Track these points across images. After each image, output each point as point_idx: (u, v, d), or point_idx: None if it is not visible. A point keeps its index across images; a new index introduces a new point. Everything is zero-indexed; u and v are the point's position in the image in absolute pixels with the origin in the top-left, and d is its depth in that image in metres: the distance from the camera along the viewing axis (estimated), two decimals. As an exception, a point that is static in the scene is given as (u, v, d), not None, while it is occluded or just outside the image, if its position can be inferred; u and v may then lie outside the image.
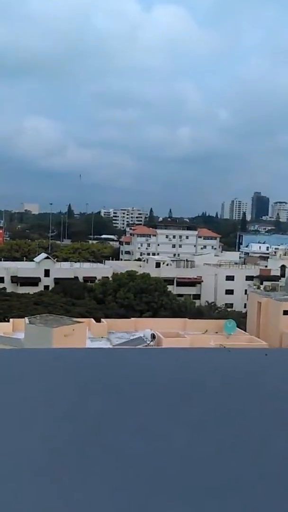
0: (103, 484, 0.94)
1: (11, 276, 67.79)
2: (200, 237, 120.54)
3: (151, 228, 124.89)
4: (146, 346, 28.97)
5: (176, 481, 0.96)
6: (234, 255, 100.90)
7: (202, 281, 74.30)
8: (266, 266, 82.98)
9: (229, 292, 72.42)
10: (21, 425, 1.19)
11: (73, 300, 50.64)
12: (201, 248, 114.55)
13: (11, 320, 33.63)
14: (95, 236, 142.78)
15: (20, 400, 1.34)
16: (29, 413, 1.27)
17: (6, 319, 35.15)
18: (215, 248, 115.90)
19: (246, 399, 1.45)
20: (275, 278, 73.61)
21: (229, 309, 62.03)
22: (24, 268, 70.42)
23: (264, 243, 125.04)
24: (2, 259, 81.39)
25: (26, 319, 29.22)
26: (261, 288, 61.79)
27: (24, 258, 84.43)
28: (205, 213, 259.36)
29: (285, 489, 0.96)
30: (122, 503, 0.90)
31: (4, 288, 59.39)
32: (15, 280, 67.06)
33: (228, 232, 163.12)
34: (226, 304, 67.80)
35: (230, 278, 74.73)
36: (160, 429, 1.20)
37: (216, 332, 34.36)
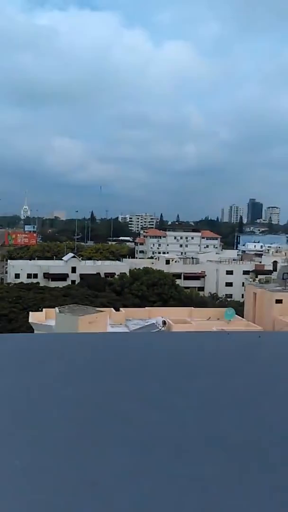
0: (119, 454, 0.90)
1: (44, 273, 68.25)
2: (203, 237, 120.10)
3: (161, 231, 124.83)
4: (158, 330, 28.94)
5: (173, 443, 0.94)
6: (232, 253, 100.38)
7: (206, 275, 74.06)
8: (260, 262, 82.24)
9: (229, 284, 72.04)
10: (55, 398, 1.18)
11: (96, 292, 50.76)
12: (204, 247, 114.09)
13: (44, 310, 33.80)
14: (114, 238, 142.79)
15: (53, 377, 1.33)
16: (58, 387, 1.25)
17: (40, 309, 35.36)
18: (216, 247, 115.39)
19: (242, 375, 1.45)
20: (268, 272, 72.63)
21: (229, 299, 61.73)
22: (54, 265, 70.88)
23: (258, 242, 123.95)
24: (36, 258, 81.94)
25: (56, 308, 29.34)
26: (256, 281, 61.32)
27: (54, 257, 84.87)
28: (208, 217, 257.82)
29: (279, 463, 0.91)
30: (132, 462, 0.87)
31: (38, 283, 59.77)
32: (47, 276, 67.48)
33: (228, 233, 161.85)
34: (226, 295, 67.50)
35: (229, 272, 74.36)
36: (166, 403, 1.16)
37: (218, 319, 34.21)
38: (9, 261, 78.08)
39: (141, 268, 60.98)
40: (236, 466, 0.85)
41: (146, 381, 1.32)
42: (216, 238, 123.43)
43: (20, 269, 68.86)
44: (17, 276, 66.45)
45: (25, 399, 1.16)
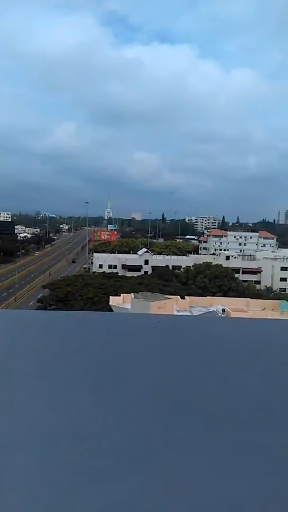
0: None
1: (122, 264, 69.77)
2: (260, 237, 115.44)
3: (223, 231, 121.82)
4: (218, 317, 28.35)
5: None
6: (287, 252, 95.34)
7: (262, 271, 71.23)
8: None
9: (283, 279, 68.64)
10: (129, 364, 1.15)
11: (165, 282, 50.81)
12: (262, 246, 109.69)
13: (121, 295, 34.40)
14: (181, 236, 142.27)
15: (128, 347, 1.33)
16: (132, 360, 1.22)
17: (118, 294, 36.09)
18: (272, 246, 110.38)
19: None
20: None
21: (283, 292, 58.88)
22: (130, 258, 72.12)
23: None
24: (116, 252, 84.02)
25: (132, 294, 29.74)
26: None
27: (131, 251, 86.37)
28: (265, 219, 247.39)
29: None
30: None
31: (117, 273, 61.21)
32: (124, 267, 68.88)
33: (283, 234, 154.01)
34: (280, 288, 64.44)
35: (284, 268, 70.74)
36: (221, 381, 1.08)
37: (272, 309, 32.80)
38: (94, 254, 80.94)
39: (202, 262, 60.04)
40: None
41: (197, 364, 1.22)
42: (273, 238, 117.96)
43: (103, 261, 71.06)
44: (100, 266, 68.69)
45: (109, 368, 1.13)
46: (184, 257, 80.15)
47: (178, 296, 35.17)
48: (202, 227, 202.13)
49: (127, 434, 0.79)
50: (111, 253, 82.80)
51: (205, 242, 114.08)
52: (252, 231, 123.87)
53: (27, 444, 0.76)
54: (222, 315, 29.67)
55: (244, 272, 68.90)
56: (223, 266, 58.74)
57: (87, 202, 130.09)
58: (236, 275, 60.27)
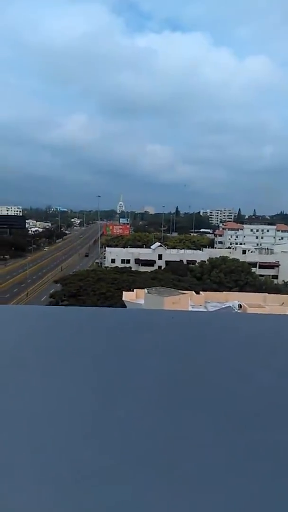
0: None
1: (135, 259, 69.83)
2: (278, 230, 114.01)
3: (239, 224, 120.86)
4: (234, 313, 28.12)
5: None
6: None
7: (280, 265, 70.38)
8: None
9: (302, 274, 67.78)
10: (139, 360, 1.15)
11: (179, 277, 50.70)
12: (279, 239, 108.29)
13: (134, 290, 34.44)
14: (195, 230, 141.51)
15: (141, 343, 1.33)
16: (147, 351, 1.23)
17: (131, 290, 36.16)
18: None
19: None
20: None
21: (302, 288, 58.08)
22: (143, 253, 72.10)
23: None
24: (129, 246, 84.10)
25: (145, 290, 29.73)
26: None
27: (144, 246, 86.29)
28: (283, 212, 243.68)
29: None
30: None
31: (130, 267, 61.30)
32: (137, 261, 68.92)
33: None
34: (299, 283, 63.62)
35: (303, 263, 69.91)
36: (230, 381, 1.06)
37: (291, 305, 32.41)
38: (106, 248, 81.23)
39: (218, 257, 59.65)
40: None
41: (207, 360, 1.20)
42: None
43: (116, 255, 71.26)
44: (113, 261, 68.90)
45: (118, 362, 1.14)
46: (198, 251, 79.70)
47: (193, 292, 35.01)
48: (217, 221, 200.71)
49: (135, 432, 0.79)
50: (124, 247, 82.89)
51: (220, 235, 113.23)
52: (269, 224, 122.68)
53: (33, 443, 0.75)
54: (239, 311, 29.39)
55: (261, 267, 68.22)
56: (240, 260, 58.27)
57: (99, 196, 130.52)
58: (253, 269, 59.68)
